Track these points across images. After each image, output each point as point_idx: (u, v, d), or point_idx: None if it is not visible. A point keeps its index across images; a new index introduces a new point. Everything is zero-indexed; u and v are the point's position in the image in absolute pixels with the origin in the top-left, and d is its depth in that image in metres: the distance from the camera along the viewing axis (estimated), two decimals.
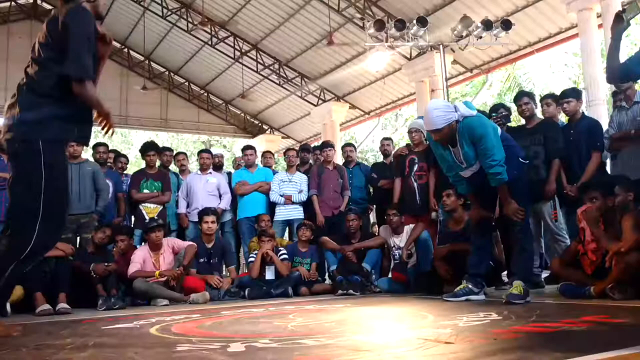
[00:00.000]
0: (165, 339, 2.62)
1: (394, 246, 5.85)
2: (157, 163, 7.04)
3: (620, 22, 3.53)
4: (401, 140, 17.78)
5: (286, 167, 7.34)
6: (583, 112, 5.58)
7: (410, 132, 6.08)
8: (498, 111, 5.64)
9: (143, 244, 6.23)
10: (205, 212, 6.28)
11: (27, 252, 2.54)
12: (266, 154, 7.94)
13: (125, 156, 7.57)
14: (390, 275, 5.90)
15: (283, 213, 6.86)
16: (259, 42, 14.10)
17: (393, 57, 11.75)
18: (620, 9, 4.74)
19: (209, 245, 6.19)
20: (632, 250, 3.56)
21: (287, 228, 7.14)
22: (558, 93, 5.64)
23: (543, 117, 5.43)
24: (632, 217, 3.76)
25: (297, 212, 6.84)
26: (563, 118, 5.75)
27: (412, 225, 5.78)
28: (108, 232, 5.65)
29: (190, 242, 6.08)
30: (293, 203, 6.81)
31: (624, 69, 3.56)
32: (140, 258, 5.70)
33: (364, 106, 15.04)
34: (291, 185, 6.87)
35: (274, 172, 7.35)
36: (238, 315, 3.85)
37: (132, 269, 5.56)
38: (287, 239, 7.20)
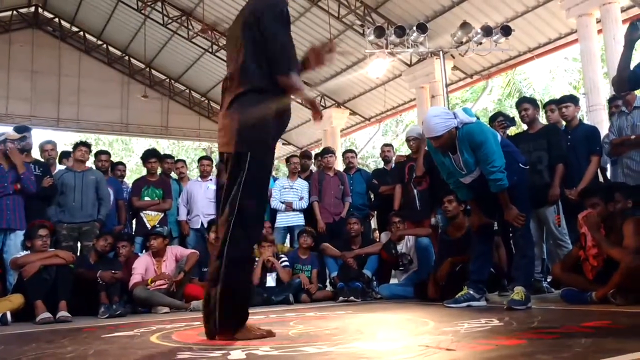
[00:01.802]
0: (166, 346, 2.61)
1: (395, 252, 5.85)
2: (159, 170, 7.05)
3: (634, 31, 3.47)
4: (402, 146, 17.78)
5: (288, 174, 7.33)
6: (580, 119, 5.62)
7: (408, 139, 6.11)
8: (497, 119, 5.67)
9: (144, 251, 6.23)
10: (214, 222, 6.24)
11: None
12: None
13: (122, 164, 7.58)
14: (393, 282, 5.90)
15: (284, 220, 6.86)
16: None
17: (393, 63, 11.77)
18: (634, 18, 4.70)
19: None
20: (633, 254, 3.56)
21: (288, 235, 7.13)
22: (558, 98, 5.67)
23: (546, 123, 5.45)
24: (633, 222, 3.76)
25: (297, 219, 6.84)
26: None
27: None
28: (110, 239, 5.67)
29: (193, 250, 6.08)
30: (294, 210, 6.81)
31: (633, 77, 3.53)
32: (142, 267, 5.69)
33: (364, 112, 15.05)
34: (292, 192, 6.87)
35: (275, 179, 7.35)
36: None
37: (133, 280, 5.56)
38: (288, 245, 7.19)
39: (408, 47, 10.39)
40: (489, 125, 5.62)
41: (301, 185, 6.94)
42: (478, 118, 4.04)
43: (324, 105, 14.87)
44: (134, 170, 20.29)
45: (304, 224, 6.77)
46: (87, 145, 6.44)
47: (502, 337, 2.34)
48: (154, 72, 16.74)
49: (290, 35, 2.70)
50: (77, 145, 6.40)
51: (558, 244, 5.08)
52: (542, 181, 5.03)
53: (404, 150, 6.63)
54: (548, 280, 5.43)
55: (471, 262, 4.28)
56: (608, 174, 5.51)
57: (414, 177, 5.90)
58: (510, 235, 4.41)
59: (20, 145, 5.74)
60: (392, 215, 5.90)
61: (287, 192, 6.87)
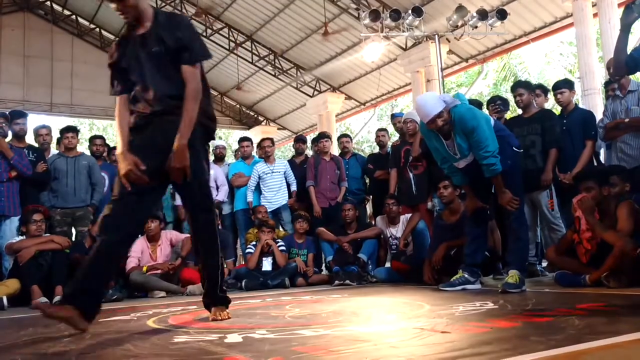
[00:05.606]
0: (163, 330, 2.63)
1: (391, 236, 5.88)
2: None
3: (630, 14, 3.43)
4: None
5: (264, 159, 7.04)
6: (576, 104, 5.62)
7: (405, 121, 6.08)
8: (496, 103, 5.67)
9: (139, 235, 6.21)
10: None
11: None
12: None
13: None
14: (389, 265, 5.93)
15: (268, 205, 6.72)
16: (254, 33, 14.03)
17: (388, 47, 11.70)
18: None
19: None
20: (626, 238, 3.59)
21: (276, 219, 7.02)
22: (553, 82, 5.67)
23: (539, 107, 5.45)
24: (627, 205, 3.78)
25: (281, 199, 6.82)
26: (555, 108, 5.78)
27: (408, 216, 5.81)
28: None
29: (188, 235, 6.07)
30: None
31: (631, 61, 3.50)
32: (138, 251, 5.70)
33: (359, 97, 15.00)
34: (275, 177, 6.80)
35: (256, 162, 7.23)
36: (235, 306, 3.84)
37: (130, 264, 5.56)
38: (281, 229, 7.17)
39: (403, 31, 10.33)
40: (486, 109, 5.64)
41: (281, 166, 6.92)
42: (472, 101, 4.03)
43: (319, 89, 14.82)
44: None
45: (286, 201, 6.79)
46: (73, 130, 6.36)
47: (496, 320, 2.36)
48: None
49: None
50: (63, 132, 6.33)
51: (551, 228, 5.11)
52: (535, 166, 5.05)
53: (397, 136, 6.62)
54: (543, 264, 5.46)
55: (466, 246, 4.30)
56: (602, 158, 5.52)
57: (410, 160, 5.90)
58: (505, 219, 4.42)
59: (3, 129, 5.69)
60: (387, 199, 5.91)
61: (269, 178, 6.80)
